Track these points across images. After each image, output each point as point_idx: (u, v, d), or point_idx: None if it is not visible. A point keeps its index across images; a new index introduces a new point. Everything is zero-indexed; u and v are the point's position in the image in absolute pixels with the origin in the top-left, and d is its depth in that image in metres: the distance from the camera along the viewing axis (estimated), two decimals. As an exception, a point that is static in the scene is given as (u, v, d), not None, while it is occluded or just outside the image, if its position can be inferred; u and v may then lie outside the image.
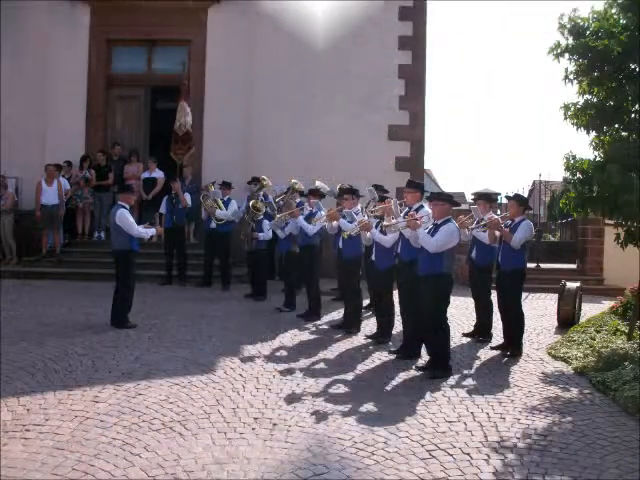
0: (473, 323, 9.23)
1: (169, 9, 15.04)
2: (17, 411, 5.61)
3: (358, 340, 8.63)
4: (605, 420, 5.72)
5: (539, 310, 11.35)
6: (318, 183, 11.60)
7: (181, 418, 5.62)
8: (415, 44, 15.47)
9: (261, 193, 12.45)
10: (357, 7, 15.30)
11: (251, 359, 7.51)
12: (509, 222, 8.23)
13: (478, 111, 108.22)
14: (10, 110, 14.70)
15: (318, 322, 9.69)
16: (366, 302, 10.31)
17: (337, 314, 10.02)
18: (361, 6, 15.30)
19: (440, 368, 7.05)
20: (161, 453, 4.92)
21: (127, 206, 9.14)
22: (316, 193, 10.45)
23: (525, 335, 8.45)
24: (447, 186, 61.11)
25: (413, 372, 7.15)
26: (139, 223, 9.95)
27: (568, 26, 8.05)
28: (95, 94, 15.23)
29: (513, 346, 8.04)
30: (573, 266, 15.59)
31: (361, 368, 7.31)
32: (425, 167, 17.43)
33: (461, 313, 10.54)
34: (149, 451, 4.95)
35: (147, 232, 9.27)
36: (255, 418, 5.66)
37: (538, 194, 25.09)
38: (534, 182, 25.31)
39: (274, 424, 5.53)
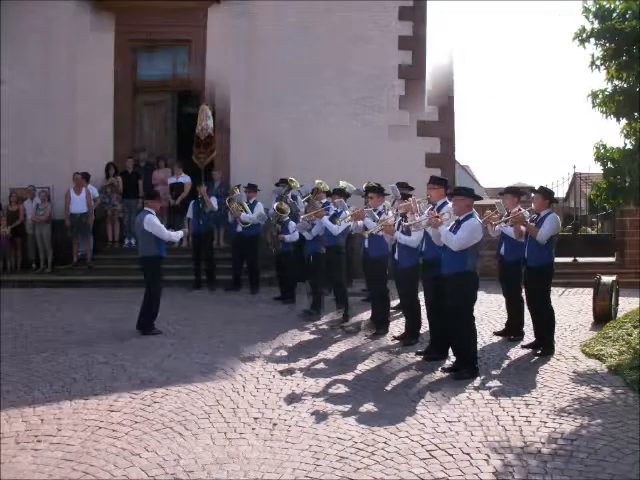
0: (504, 321, 8.95)
1: (169, 9, 14.95)
2: (31, 421, 5.58)
3: (358, 340, 8.55)
4: (638, 422, 5.42)
5: (576, 306, 10.98)
6: (343, 183, 11.41)
7: (181, 418, 5.60)
8: (415, 44, 15.21)
9: (289, 194, 12.32)
10: (357, 7, 15.07)
11: (251, 359, 7.48)
12: (535, 216, 7.95)
13: (514, 106, 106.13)
14: (40, 120, 14.83)
15: (318, 322, 9.64)
16: (396, 302, 10.08)
17: (367, 315, 9.85)
18: (361, 6, 15.07)
19: (466, 369, 6.83)
20: (161, 453, 4.91)
21: (154, 212, 9.13)
22: (341, 193, 10.29)
23: (559, 332, 8.19)
24: (487, 182, 60.27)
25: (413, 372, 7.07)
26: (167, 228, 9.91)
27: (593, 9, 7.74)
28: (122, 101, 15.29)
29: (545, 344, 7.75)
30: (612, 259, 15.10)
31: (361, 368, 7.23)
32: (463, 163, 17.13)
33: (493, 311, 10.25)
34: (149, 451, 4.95)
35: (177, 234, 9.36)
36: (255, 418, 5.65)
37: (579, 187, 24.48)
38: (575, 175, 24.78)
39: (274, 424, 5.51)
